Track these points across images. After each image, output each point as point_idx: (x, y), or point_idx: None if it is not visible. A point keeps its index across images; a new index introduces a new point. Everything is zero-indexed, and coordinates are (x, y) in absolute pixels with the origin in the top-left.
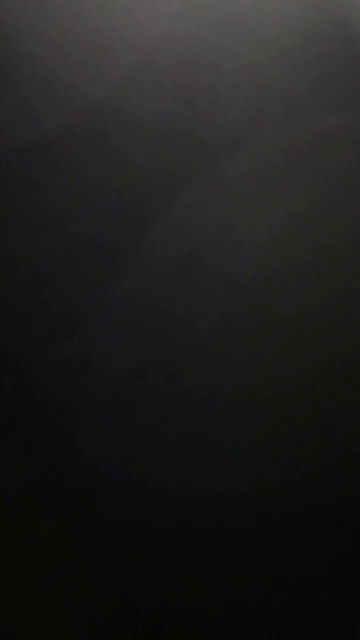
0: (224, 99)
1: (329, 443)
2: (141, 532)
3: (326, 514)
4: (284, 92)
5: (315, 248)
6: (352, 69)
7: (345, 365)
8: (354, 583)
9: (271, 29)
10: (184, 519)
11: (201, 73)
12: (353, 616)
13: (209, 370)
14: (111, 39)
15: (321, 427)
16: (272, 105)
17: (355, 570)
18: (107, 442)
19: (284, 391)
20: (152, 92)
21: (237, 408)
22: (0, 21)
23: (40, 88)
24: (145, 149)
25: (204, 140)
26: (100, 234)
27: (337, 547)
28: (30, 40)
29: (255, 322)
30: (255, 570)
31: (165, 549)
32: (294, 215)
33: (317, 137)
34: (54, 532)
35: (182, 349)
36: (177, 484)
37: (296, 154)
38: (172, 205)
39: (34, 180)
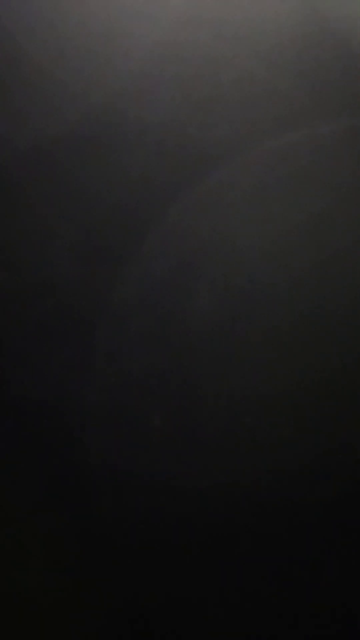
0: (222, 108)
1: (330, 443)
2: (142, 527)
3: (325, 508)
4: (281, 101)
5: (313, 254)
6: (348, 77)
7: (344, 374)
8: (353, 576)
9: (269, 39)
10: (184, 515)
11: (199, 82)
12: (353, 611)
13: (208, 377)
14: (111, 47)
15: (319, 435)
16: (270, 113)
17: (355, 562)
18: (107, 444)
19: (283, 398)
20: (150, 100)
21: (236, 415)
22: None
23: (39, 95)
24: (143, 157)
25: (201, 148)
26: (98, 240)
27: (337, 542)
28: (30, 47)
29: (253, 329)
30: (256, 565)
31: (165, 544)
32: (292, 222)
33: (315, 144)
34: (54, 528)
35: (181, 356)
36: (178, 482)
37: (294, 160)
38: (170, 212)
39: (33, 186)
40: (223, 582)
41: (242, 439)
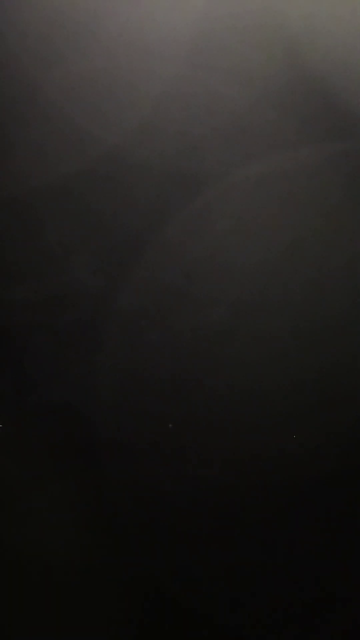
0: (215, 140)
1: (330, 443)
2: (145, 514)
3: (327, 504)
4: (271, 128)
5: (302, 270)
6: (330, 106)
7: (344, 384)
8: (354, 561)
9: (257, 73)
10: (187, 501)
11: (199, 118)
12: (354, 594)
13: (208, 388)
14: (121, 90)
15: (322, 425)
16: (261, 140)
17: (355, 549)
18: (109, 445)
19: (281, 409)
20: (153, 137)
21: (235, 424)
22: (19, 66)
23: (55, 132)
24: (148, 186)
25: (198, 176)
26: (109, 258)
27: (337, 531)
28: (48, 86)
29: (252, 340)
30: (257, 547)
31: (168, 529)
32: (280, 241)
33: (302, 166)
34: (61, 502)
35: (181, 365)
36: (179, 482)
37: (284, 181)
38: (171, 232)
39: (49, 218)
40: (225, 557)
41: (244, 443)
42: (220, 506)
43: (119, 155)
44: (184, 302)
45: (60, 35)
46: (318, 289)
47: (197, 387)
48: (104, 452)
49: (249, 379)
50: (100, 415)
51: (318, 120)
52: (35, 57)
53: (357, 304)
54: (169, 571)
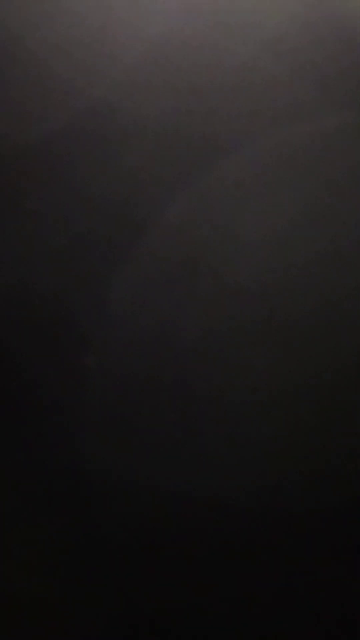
0: (223, 100)
1: (330, 444)
2: (142, 534)
3: (327, 515)
4: (283, 93)
5: (315, 249)
6: (351, 69)
7: (346, 368)
8: (354, 585)
9: (271, 31)
10: (185, 520)
11: (200, 73)
12: (354, 618)
13: (209, 373)
14: (110, 39)
15: (322, 428)
16: (272, 106)
17: (355, 572)
18: (108, 445)
19: (285, 393)
20: (150, 92)
21: (238, 410)
22: None
23: (37, 88)
24: (143, 150)
25: (202, 141)
26: (98, 235)
27: (338, 549)
28: (28, 39)
29: (255, 324)
30: (256, 572)
31: (166, 551)
32: (294, 216)
33: (317, 137)
34: (53, 533)
35: (182, 352)
36: (179, 486)
37: (296, 154)
38: (171, 206)
39: (32, 180)
40: (223, 587)
41: (245, 441)
42: (220, 525)
43: (106, 111)
44: (182, 287)
45: None
46: (334, 270)
47: (199, 387)
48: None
49: (249, 376)
50: (80, 418)
51: (339, 83)
52: (15, 8)
53: None
54: (166, 598)
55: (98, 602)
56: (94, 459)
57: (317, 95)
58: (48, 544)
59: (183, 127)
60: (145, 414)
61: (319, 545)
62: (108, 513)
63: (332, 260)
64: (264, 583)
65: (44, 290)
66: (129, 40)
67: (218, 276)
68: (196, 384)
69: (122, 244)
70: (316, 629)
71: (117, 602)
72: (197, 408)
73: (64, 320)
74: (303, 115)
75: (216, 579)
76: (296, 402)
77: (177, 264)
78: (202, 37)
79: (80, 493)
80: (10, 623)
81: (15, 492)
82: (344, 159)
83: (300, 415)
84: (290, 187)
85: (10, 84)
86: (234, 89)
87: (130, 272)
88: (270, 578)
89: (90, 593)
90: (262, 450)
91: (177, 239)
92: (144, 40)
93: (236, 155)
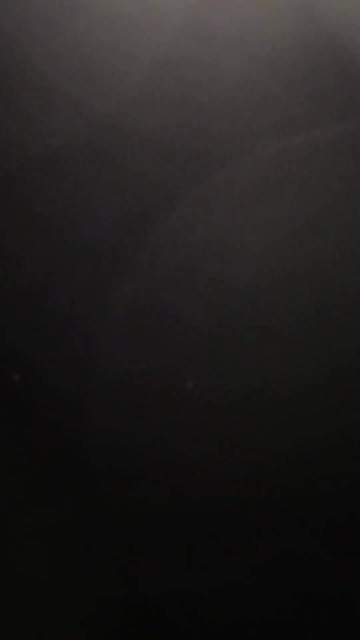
0: (221, 113)
1: (328, 446)
2: (142, 520)
3: (325, 505)
4: (278, 105)
5: (311, 259)
6: (343, 82)
7: (345, 372)
8: (353, 574)
9: (266, 46)
10: (183, 510)
11: (199, 88)
12: (354, 608)
13: (208, 376)
14: (113, 56)
15: (322, 427)
16: (267, 118)
17: (355, 561)
18: (108, 445)
19: (283, 396)
20: (151, 107)
21: (237, 413)
22: (4, 35)
23: (42, 104)
24: (145, 162)
25: (200, 153)
26: (101, 243)
27: (336, 537)
28: (34, 55)
29: (254, 329)
30: (255, 558)
31: (165, 538)
32: (291, 223)
33: (311, 147)
34: (55, 520)
35: (182, 355)
36: (179, 478)
37: (291, 163)
38: (171, 215)
39: (36, 195)
40: (223, 571)
41: (244, 440)
42: (221, 521)
43: (109, 126)
44: (183, 292)
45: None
46: (332, 276)
47: (200, 387)
48: (99, 459)
49: (248, 378)
50: (84, 409)
51: (332, 96)
52: (24, 25)
53: None
54: (167, 592)
55: (98, 586)
56: (94, 454)
57: (312, 108)
58: (49, 528)
59: (185, 140)
60: (145, 419)
61: (318, 532)
62: (107, 504)
63: (329, 269)
64: (264, 570)
65: (49, 301)
66: (130, 56)
67: (217, 283)
68: (197, 388)
69: (123, 250)
70: (314, 613)
71: (117, 586)
72: (198, 408)
73: (66, 324)
74: (299, 128)
75: (217, 565)
76: (296, 402)
77: (176, 270)
78: (201, 54)
79: (82, 481)
80: (10, 605)
81: (16, 476)
82: (340, 171)
83: (301, 416)
84: (288, 197)
85: (15, 100)
86: (230, 104)
87: (131, 279)
88: (270, 563)
89: (91, 576)
90: (261, 446)
91: (177, 243)
92: (147, 57)
93: (235, 166)
